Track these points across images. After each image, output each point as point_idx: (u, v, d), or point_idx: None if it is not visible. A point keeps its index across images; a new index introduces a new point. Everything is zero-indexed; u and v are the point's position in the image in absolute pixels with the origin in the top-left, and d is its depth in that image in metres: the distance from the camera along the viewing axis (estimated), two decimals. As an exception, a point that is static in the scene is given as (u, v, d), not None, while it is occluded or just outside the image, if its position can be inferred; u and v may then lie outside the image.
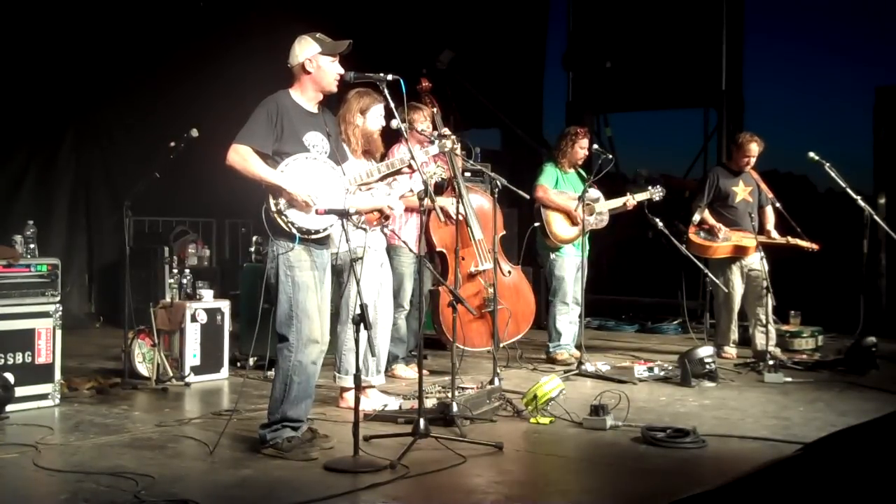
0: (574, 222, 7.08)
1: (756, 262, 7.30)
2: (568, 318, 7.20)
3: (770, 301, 6.96)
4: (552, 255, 7.23)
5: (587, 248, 7.20)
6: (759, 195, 7.54)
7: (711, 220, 7.45)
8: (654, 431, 4.62)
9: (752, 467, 4.20)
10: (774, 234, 7.40)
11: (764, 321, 7.14)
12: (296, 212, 4.29)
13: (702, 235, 7.46)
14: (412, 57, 8.42)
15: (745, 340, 7.58)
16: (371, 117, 5.44)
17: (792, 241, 7.32)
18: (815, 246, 7.30)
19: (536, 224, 7.18)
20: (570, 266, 7.13)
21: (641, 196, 7.32)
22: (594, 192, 7.23)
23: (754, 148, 7.43)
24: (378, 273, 5.47)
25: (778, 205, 7.47)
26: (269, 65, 5.11)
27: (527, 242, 7.20)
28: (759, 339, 7.25)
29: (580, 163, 7.35)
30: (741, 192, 7.51)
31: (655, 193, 7.35)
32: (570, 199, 7.11)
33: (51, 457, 4.22)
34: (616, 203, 7.28)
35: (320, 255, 4.44)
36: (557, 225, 7.14)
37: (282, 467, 4.11)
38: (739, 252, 7.39)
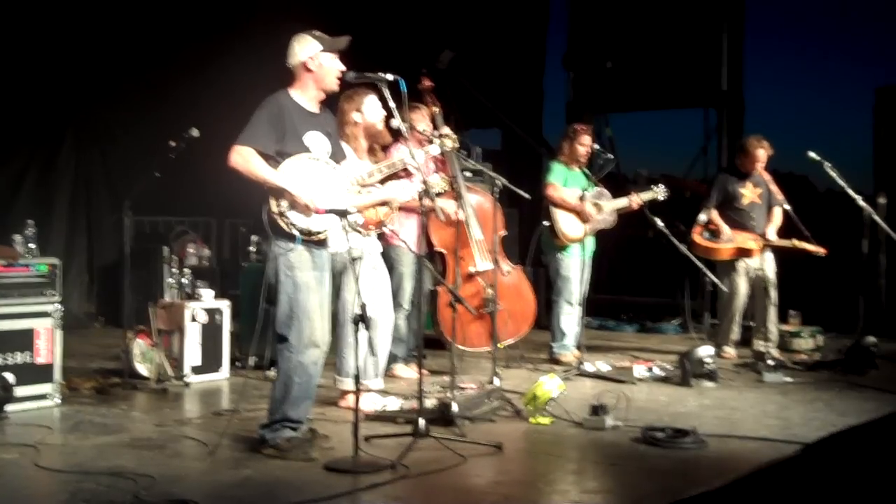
0: (584, 221, 7.07)
1: (762, 263, 7.32)
2: (573, 318, 7.19)
3: (772, 302, 6.97)
4: (559, 255, 7.22)
5: (590, 247, 7.19)
6: (769, 196, 7.53)
7: (718, 221, 7.45)
8: (654, 431, 4.62)
9: (752, 467, 4.21)
10: (772, 236, 7.39)
11: (768, 323, 7.18)
12: (297, 213, 4.29)
13: (706, 236, 7.46)
14: (412, 57, 8.41)
15: (746, 340, 7.59)
16: (368, 110, 5.44)
17: (798, 244, 7.30)
18: (822, 250, 7.27)
19: (545, 223, 7.17)
20: (576, 266, 7.10)
21: (647, 196, 7.32)
22: (600, 193, 7.23)
23: (762, 154, 7.43)
24: (371, 276, 5.46)
25: (788, 207, 7.43)
26: (269, 64, 5.10)
27: (535, 243, 7.20)
28: (761, 341, 7.28)
29: (583, 160, 7.33)
30: (749, 193, 7.51)
31: (660, 193, 7.35)
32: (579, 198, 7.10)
33: (51, 457, 4.22)
34: (621, 203, 7.28)
35: (320, 255, 4.43)
36: (566, 224, 7.12)
37: (282, 467, 4.11)
38: (743, 254, 7.40)
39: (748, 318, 7.66)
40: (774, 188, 7.55)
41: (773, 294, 7.38)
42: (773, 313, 7.31)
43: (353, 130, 5.45)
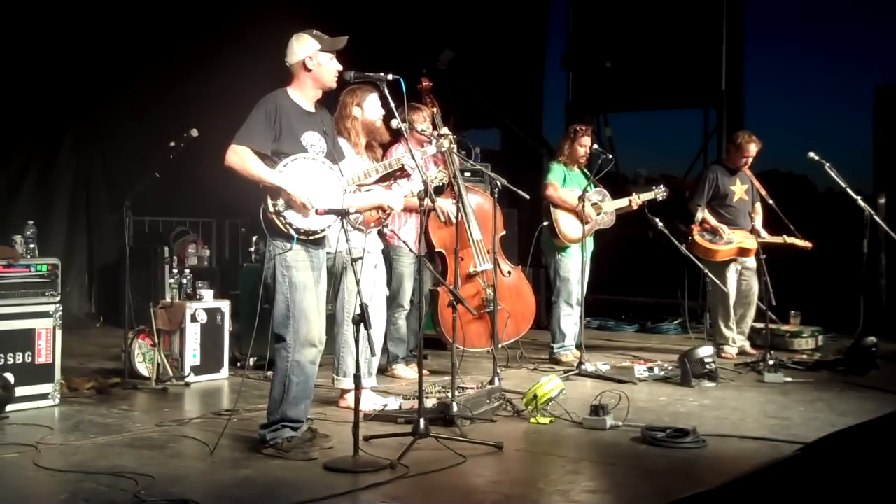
0: (583, 222, 7.06)
1: (750, 259, 7.36)
2: (573, 318, 7.19)
3: (756, 296, 7.02)
4: (558, 255, 7.21)
5: (590, 248, 7.19)
6: (753, 193, 7.58)
7: (713, 221, 7.46)
8: (654, 431, 4.62)
9: (752, 467, 4.21)
10: (764, 232, 7.43)
11: (748, 318, 7.36)
12: (294, 213, 4.29)
13: (706, 237, 7.45)
14: (412, 57, 8.41)
15: (748, 339, 7.64)
16: (368, 107, 5.44)
17: (788, 239, 7.37)
18: (808, 244, 7.34)
19: (545, 223, 7.17)
20: (576, 266, 7.07)
21: (647, 196, 7.32)
22: (600, 193, 7.24)
23: (753, 149, 7.46)
24: (372, 275, 5.47)
25: (771, 202, 7.48)
26: (268, 63, 5.11)
27: (535, 242, 7.20)
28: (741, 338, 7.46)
29: (583, 161, 7.33)
30: (739, 190, 7.54)
31: (660, 193, 7.35)
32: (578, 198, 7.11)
33: (51, 457, 4.22)
34: (621, 203, 7.28)
35: (317, 255, 4.44)
36: (566, 224, 7.11)
37: (282, 467, 4.11)
38: (742, 254, 7.42)
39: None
40: (758, 184, 7.60)
41: (756, 287, 7.46)
42: (753, 309, 7.38)
43: (353, 124, 5.44)
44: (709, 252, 7.43)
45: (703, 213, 7.48)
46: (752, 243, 7.33)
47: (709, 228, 7.46)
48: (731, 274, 7.48)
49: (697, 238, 7.45)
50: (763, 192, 7.55)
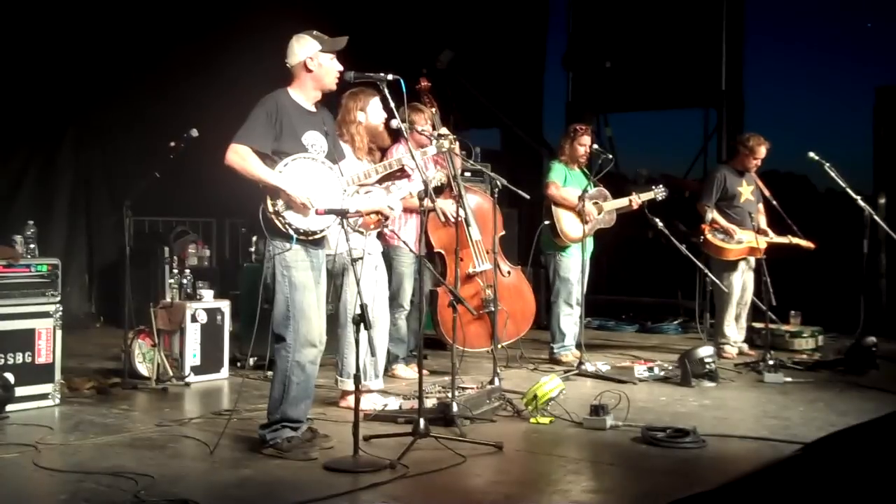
0: (583, 221, 7.07)
1: (751, 259, 7.39)
2: (572, 318, 7.19)
3: (751, 295, 7.04)
4: (558, 255, 7.21)
5: (590, 247, 7.19)
6: (757, 193, 7.60)
7: (723, 221, 7.47)
8: (654, 431, 4.62)
9: (752, 467, 4.21)
10: (770, 232, 7.45)
11: (743, 318, 7.43)
12: (293, 213, 4.29)
13: (719, 237, 7.46)
14: (412, 57, 8.41)
15: (748, 340, 7.63)
16: (372, 112, 5.45)
17: (793, 240, 7.39)
18: (811, 245, 7.38)
19: (546, 222, 7.17)
20: (576, 266, 7.08)
21: (647, 196, 7.32)
22: (600, 193, 7.24)
23: (764, 151, 7.47)
24: (373, 276, 5.46)
25: (774, 202, 7.50)
26: (268, 63, 5.11)
27: (535, 242, 7.20)
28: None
29: (583, 160, 7.33)
30: (745, 191, 7.55)
31: (660, 193, 7.36)
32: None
33: (51, 457, 4.22)
34: (621, 203, 7.28)
35: (317, 254, 4.44)
36: (567, 224, 7.11)
37: (282, 467, 4.11)
38: (752, 253, 7.44)
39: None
40: (761, 184, 7.63)
41: (752, 287, 7.51)
42: (748, 307, 7.54)
43: (356, 129, 5.44)
44: (721, 251, 7.45)
45: (712, 214, 7.49)
46: (761, 243, 7.35)
47: (719, 228, 7.47)
48: (738, 273, 7.49)
49: (710, 237, 7.46)
50: (766, 193, 7.57)
